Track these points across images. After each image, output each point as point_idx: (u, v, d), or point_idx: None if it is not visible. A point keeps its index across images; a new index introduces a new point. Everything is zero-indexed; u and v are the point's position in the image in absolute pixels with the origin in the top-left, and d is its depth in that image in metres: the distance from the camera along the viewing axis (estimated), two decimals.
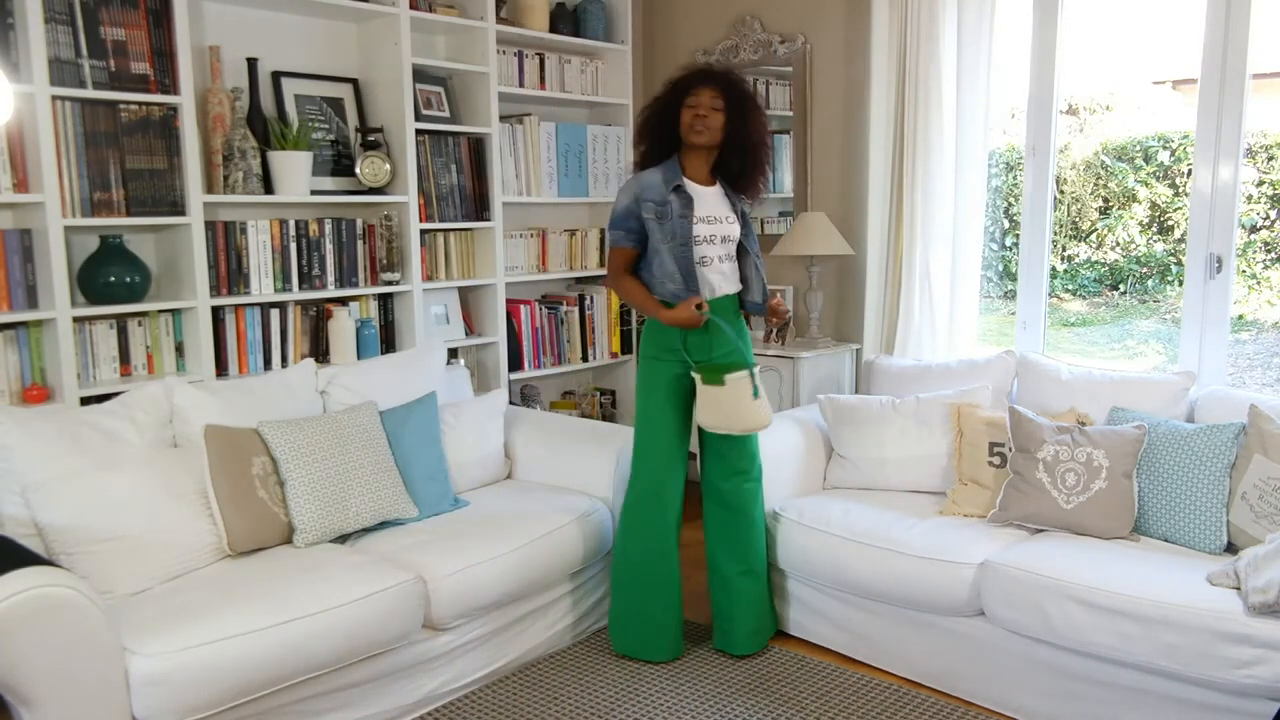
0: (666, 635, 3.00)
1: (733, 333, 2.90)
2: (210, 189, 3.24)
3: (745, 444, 2.97)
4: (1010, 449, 2.97)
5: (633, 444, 3.00)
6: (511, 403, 3.90)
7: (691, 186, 2.88)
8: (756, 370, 2.82)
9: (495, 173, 3.93)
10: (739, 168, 2.92)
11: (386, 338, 3.73)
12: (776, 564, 3.12)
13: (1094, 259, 5.40)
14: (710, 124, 2.83)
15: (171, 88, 3.06)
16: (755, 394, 2.81)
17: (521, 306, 4.14)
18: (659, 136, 2.92)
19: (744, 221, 2.97)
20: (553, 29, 4.14)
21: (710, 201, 2.90)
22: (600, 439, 3.33)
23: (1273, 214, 4.72)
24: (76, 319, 2.97)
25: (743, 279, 3.00)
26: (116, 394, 2.84)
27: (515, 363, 4.11)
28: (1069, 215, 5.30)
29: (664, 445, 2.92)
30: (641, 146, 2.98)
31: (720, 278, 2.93)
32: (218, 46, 3.27)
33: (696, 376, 2.84)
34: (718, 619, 3.06)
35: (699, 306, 2.78)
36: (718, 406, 2.81)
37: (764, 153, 2.93)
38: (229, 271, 3.26)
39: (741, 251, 2.98)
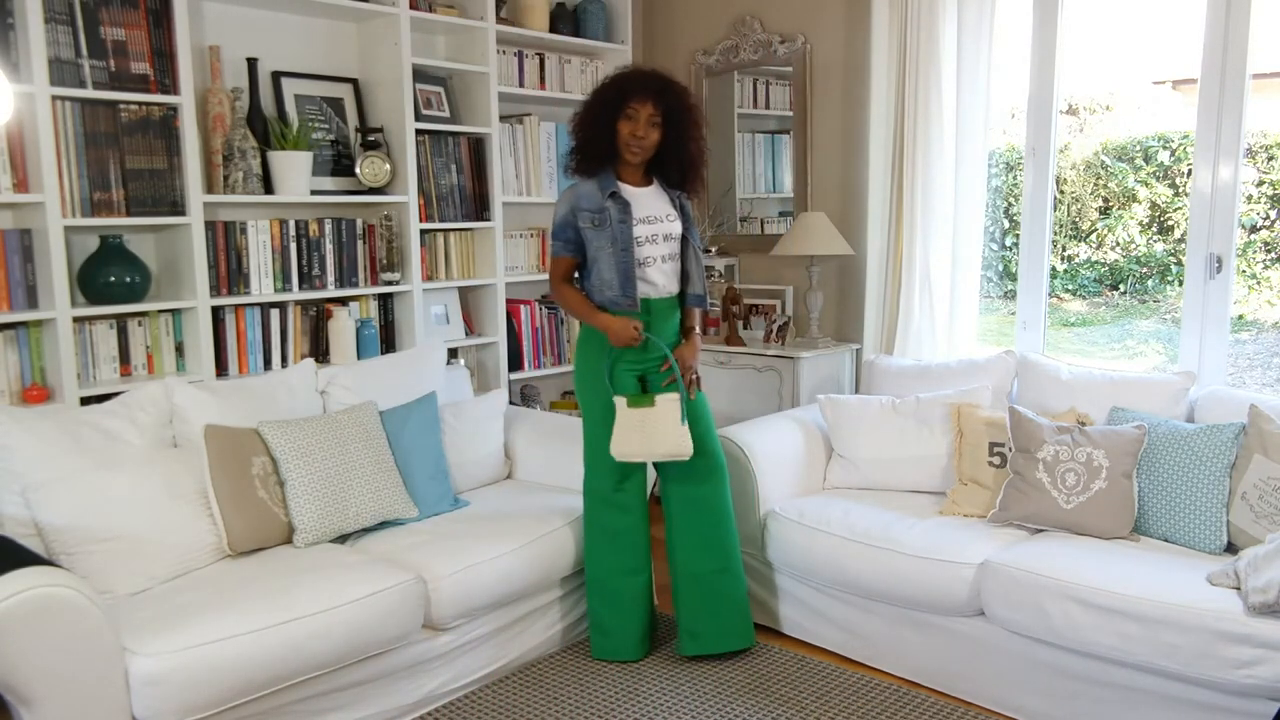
0: (641, 634, 3.00)
1: (668, 352, 2.87)
2: (210, 189, 3.24)
3: (703, 433, 2.92)
4: (1010, 449, 2.97)
5: (583, 448, 2.96)
6: (511, 403, 3.90)
7: (627, 190, 2.86)
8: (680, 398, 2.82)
9: (495, 173, 3.93)
10: (677, 177, 2.91)
11: (386, 338, 3.73)
12: (775, 563, 3.12)
13: (1094, 259, 5.40)
14: (646, 143, 2.81)
15: (171, 88, 3.06)
16: (682, 419, 2.81)
17: (521, 306, 4.14)
18: (595, 141, 2.84)
19: (684, 215, 2.93)
20: (553, 29, 4.14)
21: (648, 202, 2.88)
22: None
23: (1273, 214, 4.72)
24: (76, 319, 2.97)
25: (683, 273, 2.97)
26: (116, 394, 2.84)
27: (515, 363, 4.11)
28: (1069, 215, 5.30)
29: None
30: (576, 150, 2.89)
31: (663, 277, 2.90)
32: (218, 46, 3.27)
33: (620, 400, 2.83)
34: (687, 621, 2.99)
35: (637, 328, 2.80)
36: (641, 430, 2.80)
37: (701, 162, 2.91)
38: (229, 271, 3.26)
39: (684, 245, 2.95)
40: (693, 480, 2.95)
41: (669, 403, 2.81)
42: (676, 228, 2.90)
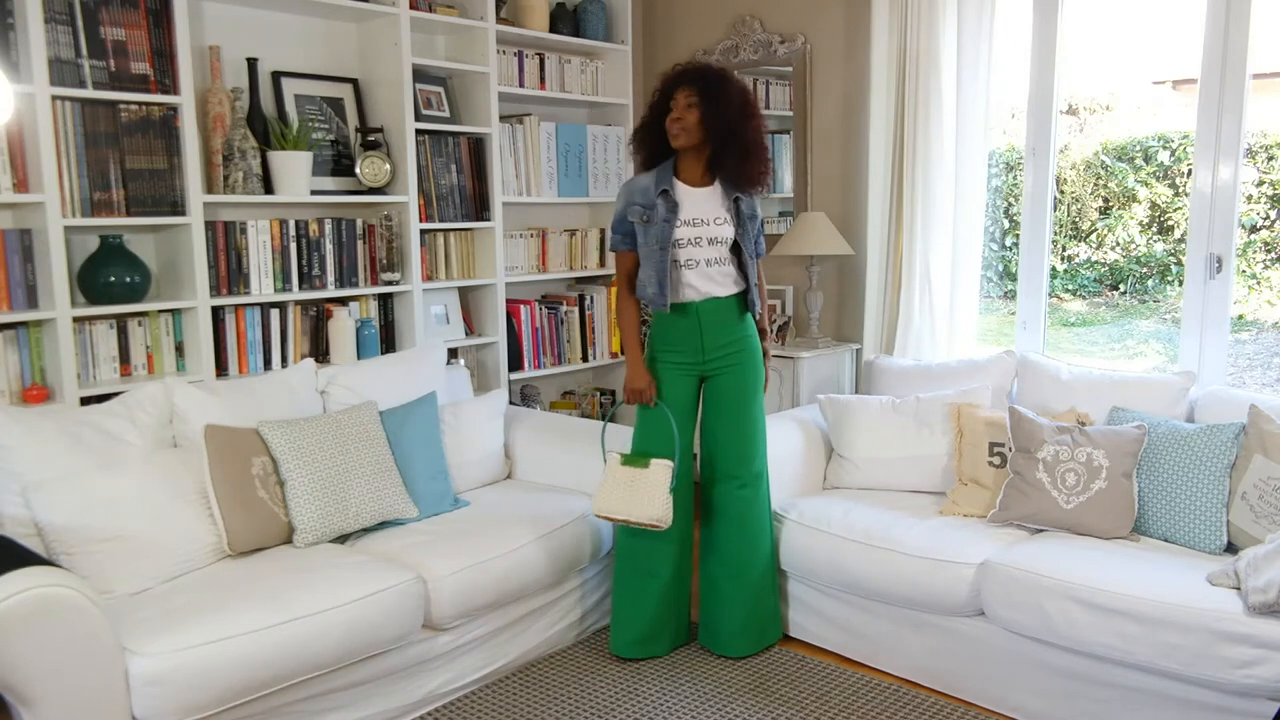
0: (668, 631, 3.03)
1: (675, 429, 2.88)
2: (210, 189, 3.24)
3: (744, 446, 2.94)
4: (1010, 449, 2.97)
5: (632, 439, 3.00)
6: (511, 403, 3.90)
7: (681, 189, 2.87)
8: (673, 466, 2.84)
9: (495, 173, 3.93)
10: (732, 159, 2.85)
11: (386, 338, 3.73)
12: (778, 565, 3.12)
13: (1094, 259, 5.40)
14: (686, 123, 2.81)
15: (171, 88, 3.06)
16: (670, 489, 2.82)
17: (521, 306, 4.14)
18: (653, 145, 2.92)
19: (740, 220, 2.90)
20: (553, 29, 4.14)
21: (699, 203, 2.87)
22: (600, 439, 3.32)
23: (1273, 214, 4.72)
24: (76, 319, 2.97)
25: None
26: (116, 394, 2.84)
27: (515, 363, 4.11)
28: (1069, 215, 5.30)
29: (661, 441, 2.91)
30: (639, 156, 2.99)
31: (707, 281, 2.88)
32: (218, 46, 3.27)
33: (614, 456, 2.86)
34: (703, 616, 3.08)
35: (650, 393, 2.89)
36: (629, 489, 2.81)
37: (752, 134, 2.85)
38: (229, 271, 3.26)
39: (740, 251, 2.93)
40: (726, 482, 2.97)
41: (661, 468, 2.82)
42: (725, 231, 2.87)
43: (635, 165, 3.04)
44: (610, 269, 4.38)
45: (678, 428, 2.90)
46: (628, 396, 2.93)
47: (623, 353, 2.99)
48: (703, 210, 2.87)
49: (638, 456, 2.86)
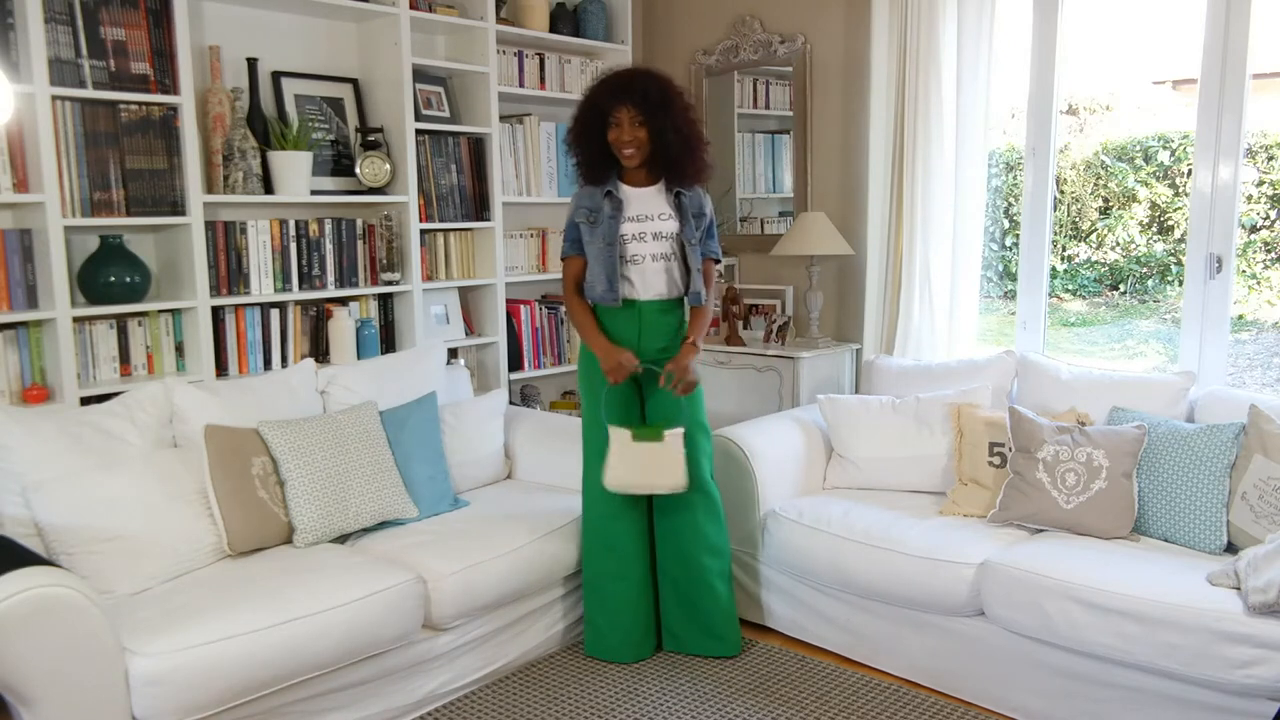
0: (639, 635, 3.01)
1: (664, 385, 2.86)
2: (210, 189, 3.24)
3: (690, 452, 2.89)
4: (1010, 449, 2.97)
5: (582, 448, 2.98)
6: (511, 403, 3.90)
7: (625, 190, 2.90)
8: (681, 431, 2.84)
9: (495, 173, 3.93)
10: (677, 166, 2.88)
11: (386, 338, 3.73)
12: (774, 563, 3.12)
13: (1094, 259, 5.40)
14: (638, 141, 2.82)
15: (171, 88, 3.06)
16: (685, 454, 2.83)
17: (521, 306, 4.14)
18: (591, 155, 2.89)
19: (683, 214, 2.89)
20: (553, 29, 4.14)
21: (643, 201, 2.90)
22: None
23: (1273, 214, 4.72)
24: (76, 319, 2.97)
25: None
26: (116, 394, 2.84)
27: (515, 363, 4.11)
28: (1069, 215, 5.30)
29: (601, 444, 2.90)
30: (574, 160, 2.94)
31: (653, 278, 2.89)
32: (218, 46, 3.27)
33: (624, 433, 2.81)
34: (668, 621, 3.04)
35: (633, 364, 2.83)
36: (644, 462, 2.80)
37: (691, 129, 2.87)
38: (229, 271, 3.26)
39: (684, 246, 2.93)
40: (681, 510, 2.95)
41: (675, 438, 2.82)
42: (670, 226, 2.90)
43: (574, 169, 2.96)
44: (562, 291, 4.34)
45: (617, 421, 2.89)
46: (612, 375, 2.85)
47: (586, 349, 2.94)
48: (647, 207, 2.90)
49: (650, 430, 2.83)
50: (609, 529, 2.94)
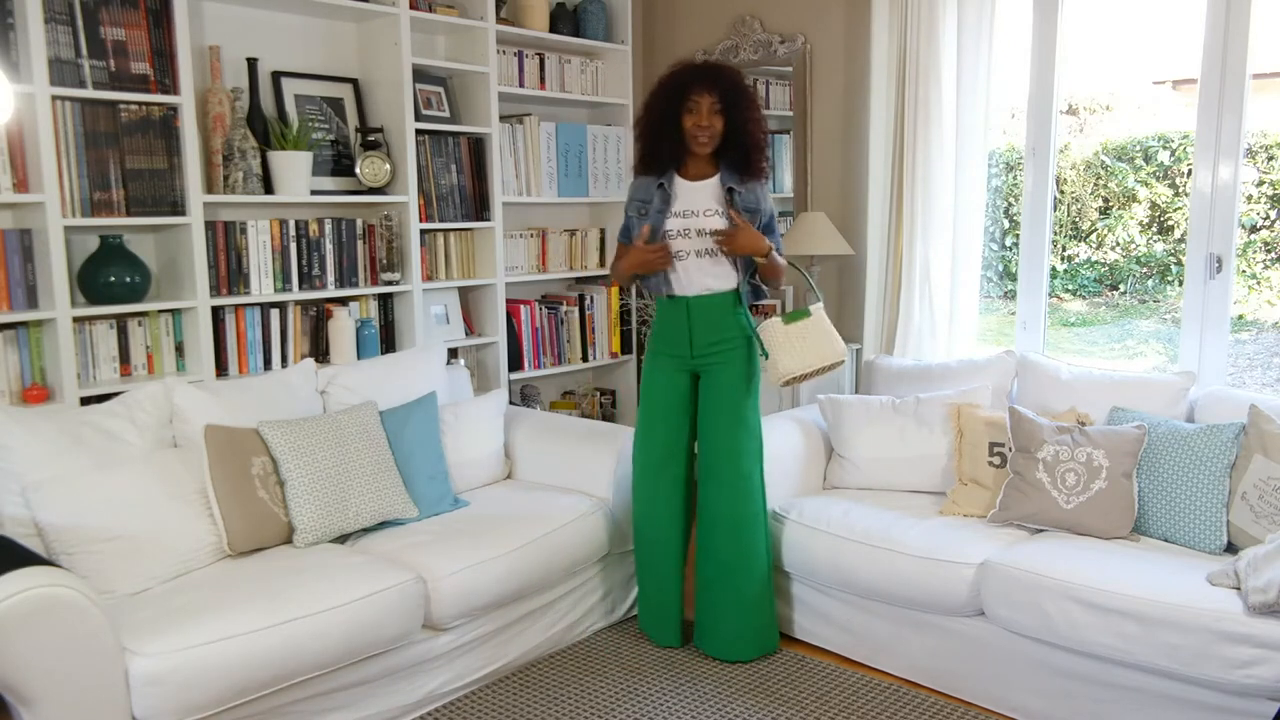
0: (668, 623, 3.08)
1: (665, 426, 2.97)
2: (210, 189, 3.24)
3: (730, 446, 2.93)
4: (1010, 449, 2.97)
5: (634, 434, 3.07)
6: (511, 403, 3.90)
7: (679, 183, 2.92)
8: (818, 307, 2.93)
9: (495, 173, 3.93)
10: (742, 161, 2.91)
11: (386, 338, 3.73)
12: (775, 563, 3.12)
13: (1094, 259, 5.40)
14: (714, 131, 2.86)
15: (171, 88, 3.06)
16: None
17: (521, 306, 4.14)
18: (661, 138, 2.90)
19: (735, 207, 2.89)
20: (553, 29, 4.14)
21: (692, 196, 2.91)
22: (600, 439, 3.32)
23: (1273, 214, 4.72)
24: (76, 319, 2.97)
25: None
26: (116, 394, 2.84)
27: (515, 363, 4.11)
28: (1069, 215, 5.30)
29: (654, 433, 3.00)
30: (640, 148, 2.97)
31: (698, 274, 2.91)
32: (218, 46, 3.27)
33: (775, 321, 2.88)
34: (698, 618, 3.07)
35: (662, 249, 2.87)
36: (803, 341, 2.86)
37: (763, 141, 2.93)
38: (229, 271, 3.26)
39: None
40: (709, 482, 2.97)
41: (820, 309, 2.90)
42: (715, 223, 2.88)
43: (635, 153, 3.01)
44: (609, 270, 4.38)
45: (672, 424, 2.98)
46: (651, 259, 2.87)
47: (629, 275, 2.99)
48: (694, 202, 2.90)
49: (798, 313, 2.90)
50: (647, 516, 3.04)
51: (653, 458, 3.02)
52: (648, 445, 3.03)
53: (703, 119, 2.84)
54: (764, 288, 3.06)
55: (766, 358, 2.90)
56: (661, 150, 2.91)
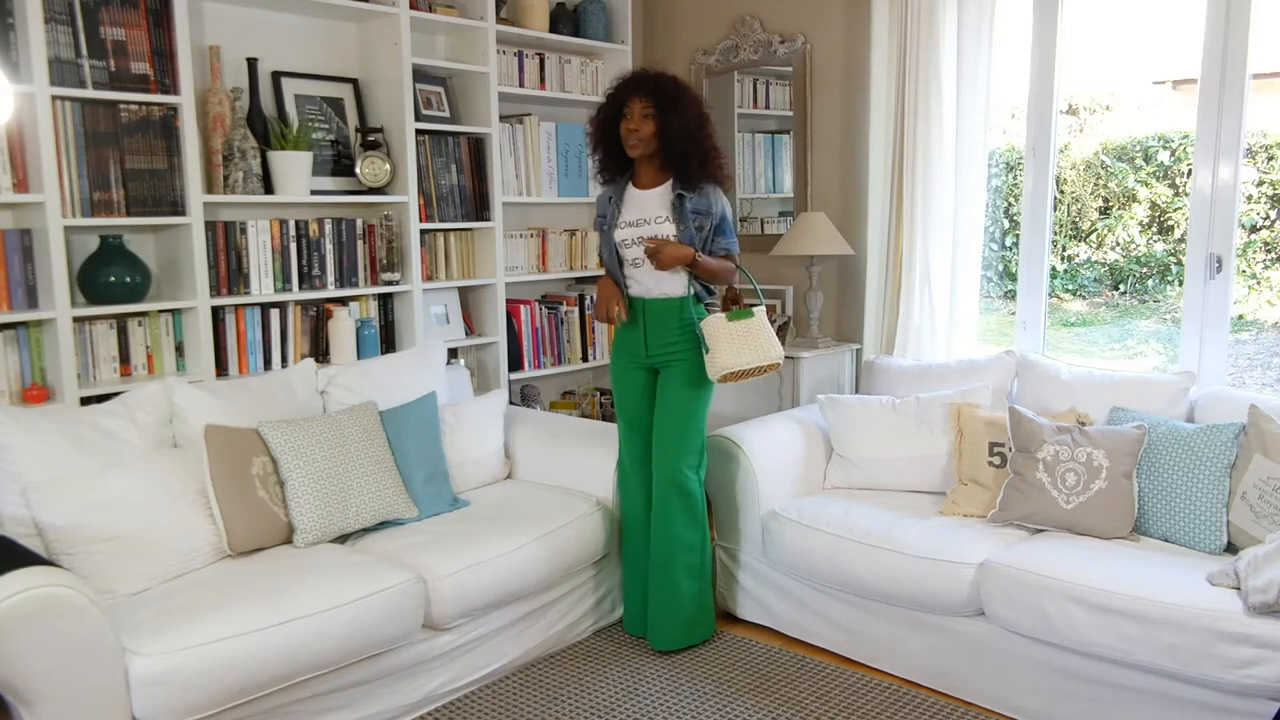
0: (639, 618, 3.14)
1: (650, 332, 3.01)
2: (210, 189, 3.24)
3: (672, 442, 2.99)
4: (1010, 449, 2.97)
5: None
6: (511, 403, 3.90)
7: (630, 192, 3.00)
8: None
9: (495, 173, 3.93)
10: (684, 165, 2.92)
11: (386, 338, 3.73)
12: (774, 563, 3.12)
13: (1094, 259, 5.40)
14: (642, 134, 2.90)
15: (171, 88, 3.06)
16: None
17: (521, 306, 4.14)
18: (608, 151, 3.01)
19: (681, 217, 2.92)
20: (553, 29, 4.14)
21: (643, 203, 2.98)
22: (600, 439, 3.33)
23: (1273, 214, 4.72)
24: (76, 319, 2.97)
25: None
26: (116, 394, 2.84)
27: (515, 363, 4.11)
28: (1069, 215, 5.30)
29: (624, 432, 3.13)
30: (594, 157, 3.07)
31: (651, 279, 2.99)
32: (218, 46, 3.27)
33: (718, 318, 2.91)
34: (636, 601, 3.15)
35: (619, 311, 2.98)
36: (744, 340, 2.89)
37: (706, 145, 2.94)
38: (229, 271, 3.26)
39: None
40: (658, 485, 3.03)
41: (762, 312, 2.94)
42: (664, 229, 2.94)
43: (590, 165, 3.13)
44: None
45: (639, 423, 3.08)
46: (600, 314, 3.04)
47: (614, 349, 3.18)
48: (645, 210, 2.97)
49: (741, 312, 2.93)
50: (628, 500, 3.12)
51: (627, 456, 3.12)
52: (624, 444, 3.14)
53: (632, 123, 2.90)
54: (712, 286, 3.11)
55: (708, 352, 2.92)
56: (608, 160, 3.02)
